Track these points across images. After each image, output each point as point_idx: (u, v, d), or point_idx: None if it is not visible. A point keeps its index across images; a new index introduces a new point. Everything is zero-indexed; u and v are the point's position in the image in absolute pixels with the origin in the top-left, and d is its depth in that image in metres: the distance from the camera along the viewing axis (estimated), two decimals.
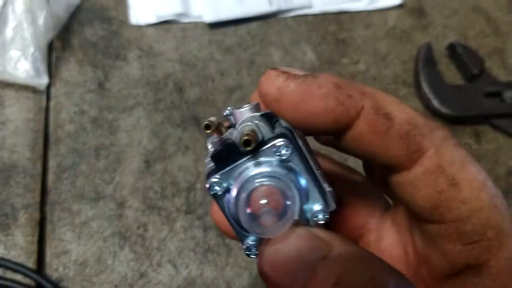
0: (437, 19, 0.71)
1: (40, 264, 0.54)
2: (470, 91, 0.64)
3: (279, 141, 0.23)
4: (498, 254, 0.22)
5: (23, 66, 0.59)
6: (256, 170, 0.23)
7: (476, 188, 0.22)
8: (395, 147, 0.23)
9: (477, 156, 0.63)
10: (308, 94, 0.23)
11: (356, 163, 0.29)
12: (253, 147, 0.22)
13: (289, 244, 0.21)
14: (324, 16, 0.69)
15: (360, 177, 0.35)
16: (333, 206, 0.24)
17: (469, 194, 0.22)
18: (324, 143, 0.30)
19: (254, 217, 0.22)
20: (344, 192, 0.32)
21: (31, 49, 0.60)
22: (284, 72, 0.24)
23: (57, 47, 0.64)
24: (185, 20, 0.68)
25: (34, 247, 0.54)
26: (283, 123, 0.25)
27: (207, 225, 0.56)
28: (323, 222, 0.23)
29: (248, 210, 0.22)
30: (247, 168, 0.23)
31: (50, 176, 0.58)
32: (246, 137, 0.22)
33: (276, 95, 0.24)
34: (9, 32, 0.60)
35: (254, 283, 0.53)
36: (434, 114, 0.63)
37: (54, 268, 0.54)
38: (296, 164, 0.23)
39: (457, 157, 0.23)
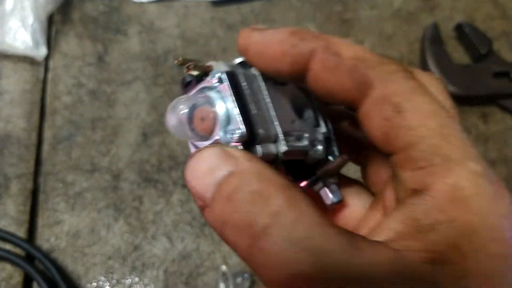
0: (444, 0, 0.69)
1: (31, 234, 0.52)
2: (477, 71, 0.62)
3: (214, 71, 0.26)
4: (443, 180, 0.22)
5: (22, 37, 0.59)
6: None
7: (422, 116, 0.23)
8: (345, 81, 0.25)
9: (484, 137, 0.61)
10: (267, 41, 0.26)
11: None
12: (193, 73, 0.26)
13: (204, 160, 0.23)
14: None
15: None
16: (283, 148, 0.26)
17: (414, 121, 0.23)
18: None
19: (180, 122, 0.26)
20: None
21: (31, 20, 0.59)
22: (251, 27, 0.27)
23: (57, 21, 0.63)
24: None
25: (26, 217, 0.52)
26: (253, 70, 0.28)
27: None
28: (236, 140, 0.25)
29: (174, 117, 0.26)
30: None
31: (45, 147, 0.56)
32: (180, 60, 0.26)
33: (244, 45, 0.27)
34: (9, 2, 0.59)
35: None
36: None
37: (46, 238, 0.52)
38: (224, 90, 0.26)
39: (404, 88, 0.24)
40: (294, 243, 0.20)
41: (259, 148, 0.25)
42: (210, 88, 0.26)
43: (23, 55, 0.59)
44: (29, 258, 0.50)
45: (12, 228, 0.52)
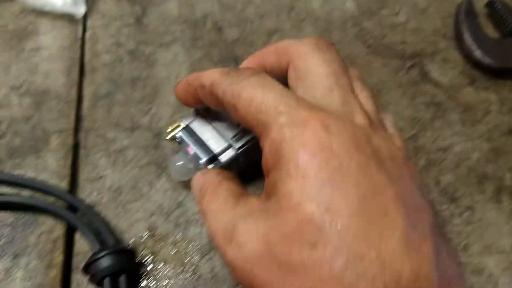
0: None
1: (72, 189, 0.51)
2: (509, 45, 0.63)
3: (177, 132, 0.44)
4: (266, 140, 0.30)
5: None
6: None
7: (246, 106, 0.31)
8: (215, 103, 0.35)
9: None
10: (178, 90, 0.40)
11: None
12: (167, 138, 0.45)
13: (196, 180, 0.38)
14: None
15: None
16: (236, 146, 0.40)
17: (243, 112, 0.31)
18: None
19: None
20: None
21: None
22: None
23: None
24: None
25: (67, 171, 0.51)
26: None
27: None
28: (202, 167, 0.41)
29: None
30: None
31: (85, 103, 0.55)
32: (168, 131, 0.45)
33: (175, 96, 0.41)
34: None
35: None
36: (476, 65, 0.62)
37: (87, 193, 0.51)
38: (187, 141, 0.42)
39: (235, 91, 0.31)
40: (213, 215, 0.32)
41: (222, 158, 0.40)
42: (181, 142, 0.43)
43: (61, 13, 0.59)
44: (72, 210, 0.49)
45: (53, 181, 0.51)
